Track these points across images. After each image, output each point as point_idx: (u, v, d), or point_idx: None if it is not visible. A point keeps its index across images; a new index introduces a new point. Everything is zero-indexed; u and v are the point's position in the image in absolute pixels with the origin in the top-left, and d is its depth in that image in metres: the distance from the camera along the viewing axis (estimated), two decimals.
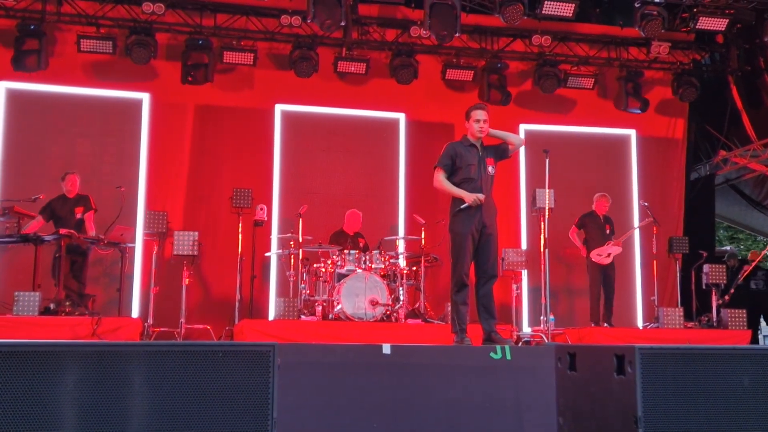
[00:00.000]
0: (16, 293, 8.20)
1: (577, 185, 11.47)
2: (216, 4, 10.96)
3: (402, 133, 11.63)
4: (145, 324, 8.93)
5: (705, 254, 10.58)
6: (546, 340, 8.94)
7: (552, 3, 10.23)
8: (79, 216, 9.14)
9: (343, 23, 9.94)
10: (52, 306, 8.34)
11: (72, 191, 9.24)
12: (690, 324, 10.04)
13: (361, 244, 9.90)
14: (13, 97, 10.55)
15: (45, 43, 10.29)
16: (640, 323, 11.21)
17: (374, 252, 9.31)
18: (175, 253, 9.23)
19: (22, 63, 10.18)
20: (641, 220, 10.98)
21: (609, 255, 10.14)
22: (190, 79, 10.67)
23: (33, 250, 8.69)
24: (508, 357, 5.68)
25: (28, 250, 8.90)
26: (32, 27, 10.25)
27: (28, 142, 10.56)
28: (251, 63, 10.95)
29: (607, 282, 10.18)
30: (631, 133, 12.28)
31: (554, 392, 4.18)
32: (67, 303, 8.55)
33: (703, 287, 10.36)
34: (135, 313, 10.10)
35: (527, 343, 9.41)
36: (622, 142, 12.33)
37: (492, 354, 5.64)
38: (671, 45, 11.51)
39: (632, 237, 11.22)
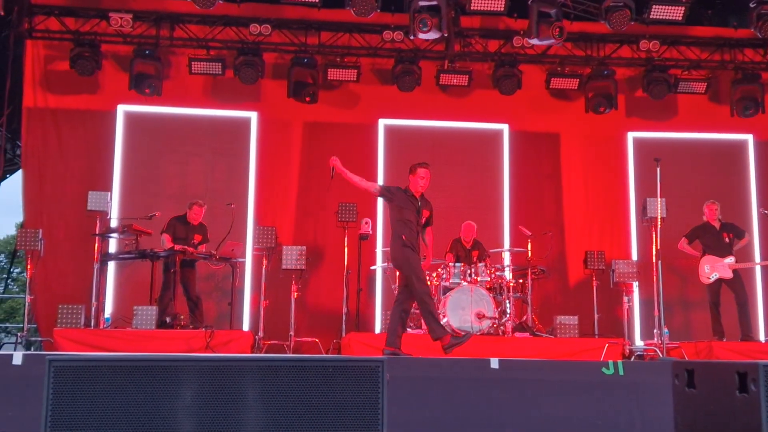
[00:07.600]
0: (135, 307, 8.56)
1: (690, 193, 11.05)
2: (320, 22, 11.17)
3: (506, 144, 11.55)
4: (256, 337, 9.13)
5: None
6: (660, 355, 8.62)
7: (660, 7, 9.94)
8: (196, 242, 9.43)
9: (445, 35, 9.94)
10: (168, 319, 8.67)
11: (196, 220, 9.55)
12: None
13: (474, 257, 9.79)
14: (130, 119, 11.04)
15: (160, 67, 10.72)
16: (762, 337, 10.67)
17: (480, 265, 9.22)
18: (283, 267, 9.41)
19: (144, 86, 10.57)
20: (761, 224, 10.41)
21: (709, 278, 9.56)
22: (307, 99, 10.92)
23: (149, 266, 9.07)
24: (621, 372, 5.52)
25: (145, 266, 9.29)
26: (147, 52, 10.71)
27: (144, 162, 11.03)
28: (355, 79, 11.12)
29: (734, 292, 9.63)
30: (748, 138, 11.79)
31: (671, 410, 4.03)
32: (181, 317, 8.86)
33: None
34: (246, 326, 10.37)
35: (640, 357, 9.12)
36: (739, 148, 11.85)
37: (604, 369, 5.50)
38: None
39: (752, 245, 10.71)
